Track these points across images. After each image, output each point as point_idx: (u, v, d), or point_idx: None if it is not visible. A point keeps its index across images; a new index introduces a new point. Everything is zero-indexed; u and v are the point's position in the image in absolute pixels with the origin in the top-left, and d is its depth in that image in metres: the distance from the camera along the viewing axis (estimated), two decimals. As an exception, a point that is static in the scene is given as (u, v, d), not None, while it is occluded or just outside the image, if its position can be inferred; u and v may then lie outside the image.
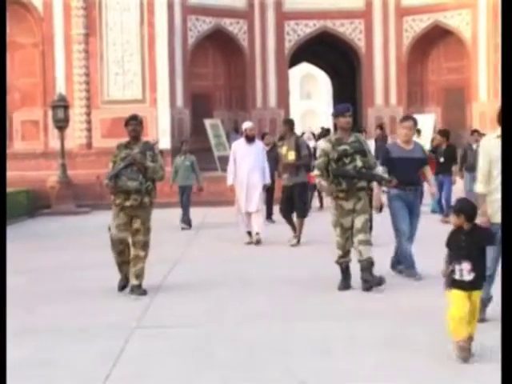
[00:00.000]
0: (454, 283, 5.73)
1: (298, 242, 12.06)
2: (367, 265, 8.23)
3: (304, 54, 33.13)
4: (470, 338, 5.56)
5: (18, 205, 18.26)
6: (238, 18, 28.68)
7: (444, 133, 15.37)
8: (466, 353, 5.49)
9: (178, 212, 15.35)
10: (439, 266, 8.88)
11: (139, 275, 8.47)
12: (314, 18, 29.44)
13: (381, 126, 24.36)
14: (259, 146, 12.61)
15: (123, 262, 8.53)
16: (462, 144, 16.97)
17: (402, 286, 8.50)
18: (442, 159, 14.94)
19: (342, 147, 8.31)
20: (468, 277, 5.66)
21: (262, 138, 15.77)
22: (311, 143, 22.22)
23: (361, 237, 8.28)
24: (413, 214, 9.06)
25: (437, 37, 29.30)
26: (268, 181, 12.66)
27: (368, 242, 8.33)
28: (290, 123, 12.59)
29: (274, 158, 13.54)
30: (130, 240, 8.53)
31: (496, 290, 6.27)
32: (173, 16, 25.54)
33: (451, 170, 14.99)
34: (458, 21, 28.36)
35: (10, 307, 7.60)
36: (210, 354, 5.97)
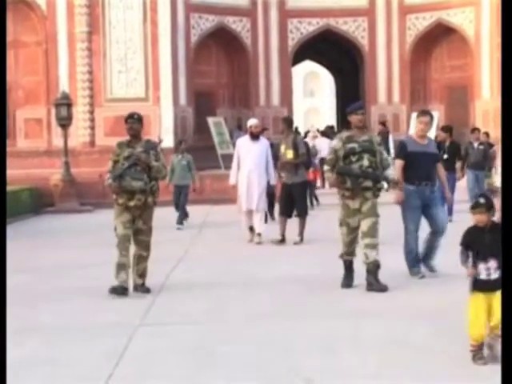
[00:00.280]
0: (476, 284, 5.65)
1: (302, 240, 12.05)
2: (373, 268, 8.19)
3: (307, 52, 33.12)
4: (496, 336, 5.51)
5: (21, 203, 18.28)
6: (241, 16, 28.66)
7: (447, 129, 15.25)
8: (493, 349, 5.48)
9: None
10: (443, 264, 8.93)
11: (143, 274, 8.45)
12: (317, 16, 29.41)
13: (383, 123, 24.42)
14: (264, 144, 12.47)
15: (123, 265, 8.23)
16: (464, 142, 16.95)
17: (406, 284, 8.50)
18: (445, 156, 14.78)
19: (351, 145, 8.25)
20: (495, 275, 5.58)
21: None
22: (317, 142, 22.25)
23: (367, 241, 8.22)
24: (433, 208, 8.89)
25: (440, 35, 29.26)
26: (273, 180, 12.58)
27: (375, 247, 8.24)
28: (288, 121, 12.55)
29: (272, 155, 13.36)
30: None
31: None
32: (176, 14, 25.53)
33: (455, 167, 14.92)
34: (462, 19, 28.32)
35: (13, 305, 7.61)
36: (214, 352, 5.98)
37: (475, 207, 5.68)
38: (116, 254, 8.32)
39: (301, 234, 12.11)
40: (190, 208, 15.47)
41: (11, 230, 14.31)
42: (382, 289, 8.09)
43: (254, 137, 12.36)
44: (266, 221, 14.11)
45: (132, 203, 8.30)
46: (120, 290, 8.13)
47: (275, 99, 29.72)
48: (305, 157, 12.44)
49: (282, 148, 12.18)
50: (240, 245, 12.12)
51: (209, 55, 28.61)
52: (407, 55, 29.50)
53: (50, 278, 9.78)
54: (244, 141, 12.55)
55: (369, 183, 8.26)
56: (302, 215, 12.20)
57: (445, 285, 8.38)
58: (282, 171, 12.20)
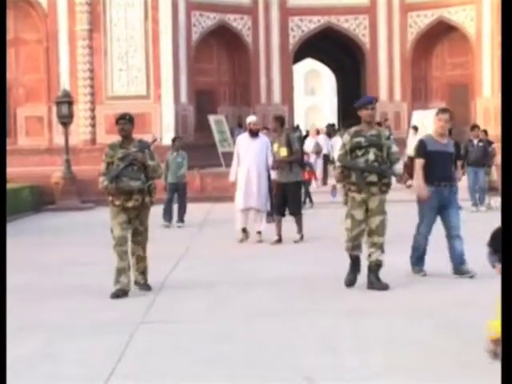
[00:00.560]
0: None
1: (302, 238, 12.02)
2: (375, 267, 8.15)
3: (308, 50, 33.14)
4: None
5: (22, 201, 18.28)
6: (242, 14, 28.68)
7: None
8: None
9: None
10: (444, 263, 8.93)
11: (143, 272, 8.43)
12: (318, 14, 29.44)
13: (379, 124, 24.46)
14: (263, 141, 12.39)
15: (123, 269, 8.17)
16: (465, 140, 16.94)
17: (407, 283, 8.49)
18: None
19: (357, 139, 8.17)
20: None
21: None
22: (319, 139, 22.23)
23: (374, 239, 8.15)
24: (449, 209, 8.78)
25: (441, 33, 29.28)
26: (273, 176, 12.38)
27: (381, 246, 8.17)
28: (280, 120, 12.43)
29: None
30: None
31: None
32: (177, 12, 25.55)
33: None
34: (463, 16, 28.33)
35: (15, 303, 7.63)
36: (216, 350, 5.98)
37: None
38: (115, 259, 8.23)
39: (300, 231, 12.04)
40: (190, 206, 15.44)
41: (12, 228, 14.32)
42: (383, 287, 8.08)
43: (253, 134, 12.28)
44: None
45: (130, 204, 8.19)
46: (122, 294, 8.09)
47: (276, 97, 29.75)
48: (299, 154, 12.39)
49: (275, 147, 12.02)
50: (240, 243, 12.11)
51: (210, 53, 28.63)
52: (408, 53, 29.52)
53: (51, 275, 9.78)
54: (243, 138, 12.49)
55: (374, 178, 8.14)
56: (296, 214, 12.10)
57: (446, 284, 8.38)
58: (277, 169, 12.04)
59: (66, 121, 20.43)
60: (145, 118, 23.75)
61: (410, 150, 18.82)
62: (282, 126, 12.27)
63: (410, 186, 8.94)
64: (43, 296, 8.42)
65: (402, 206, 13.13)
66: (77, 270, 10.13)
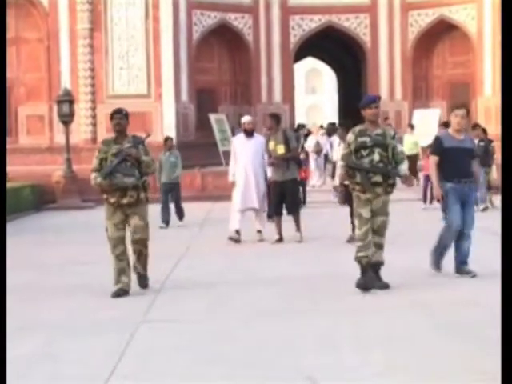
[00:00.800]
0: None
1: (301, 236, 11.92)
2: (375, 266, 8.11)
3: (309, 49, 33.13)
4: None
5: (23, 199, 18.30)
6: (243, 13, 28.66)
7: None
8: None
9: (183, 207, 15.23)
10: (445, 262, 8.92)
11: (144, 266, 8.30)
12: (319, 13, 29.42)
13: (385, 118, 24.55)
14: (259, 141, 12.27)
15: (123, 270, 8.15)
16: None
17: (408, 282, 8.48)
18: None
19: (362, 139, 8.05)
20: None
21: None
22: (320, 138, 22.23)
23: (376, 239, 8.07)
24: (466, 206, 8.64)
25: (442, 31, 29.26)
26: (269, 174, 12.28)
27: (381, 246, 8.12)
28: (276, 117, 12.35)
29: None
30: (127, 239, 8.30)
31: None
32: (178, 11, 25.55)
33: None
34: (464, 15, 28.31)
35: (15, 302, 7.63)
36: (216, 349, 5.98)
37: None
38: (112, 261, 8.19)
39: (298, 230, 11.95)
40: (191, 205, 15.46)
41: (13, 227, 14.33)
42: (384, 286, 8.08)
43: (248, 134, 12.20)
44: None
45: (125, 200, 8.09)
46: (123, 294, 8.06)
47: (277, 96, 29.73)
48: (297, 151, 12.35)
49: (271, 144, 11.90)
50: (242, 242, 12.09)
51: (211, 52, 28.61)
52: (409, 52, 29.50)
53: (52, 274, 9.78)
54: (239, 138, 12.40)
55: (378, 178, 8.04)
56: (294, 212, 12.03)
57: (446, 283, 8.38)
58: (274, 167, 11.92)
59: (66, 120, 20.46)
60: (145, 117, 23.76)
61: (406, 147, 18.83)
62: (278, 123, 12.18)
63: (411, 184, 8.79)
64: (43, 295, 8.42)
65: (400, 205, 13.16)
66: (77, 269, 10.14)
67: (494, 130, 21.11)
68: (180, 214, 14.86)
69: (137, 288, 8.37)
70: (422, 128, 24.47)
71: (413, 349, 5.83)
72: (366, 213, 8.05)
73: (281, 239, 11.94)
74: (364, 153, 8.04)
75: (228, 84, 29.38)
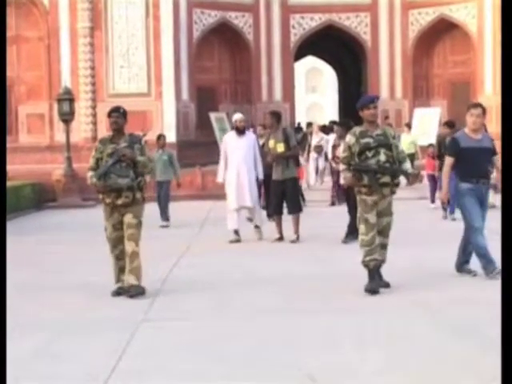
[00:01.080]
0: None
1: (298, 238, 11.84)
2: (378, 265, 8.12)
3: (309, 48, 33.12)
4: None
5: (23, 198, 18.31)
6: (244, 12, 28.66)
7: (451, 124, 14.92)
8: None
9: (182, 206, 15.24)
10: (446, 261, 8.93)
11: (137, 274, 8.03)
12: (319, 12, 29.42)
13: (385, 118, 24.55)
14: (251, 138, 12.24)
15: (122, 269, 8.11)
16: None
17: (408, 281, 8.49)
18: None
19: (365, 140, 7.88)
20: None
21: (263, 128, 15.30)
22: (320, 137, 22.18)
23: (380, 240, 7.98)
24: (483, 206, 8.50)
25: (442, 30, 29.25)
26: (261, 175, 12.26)
27: (385, 247, 8.06)
28: (277, 115, 12.27)
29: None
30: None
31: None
32: (178, 9, 25.55)
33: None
34: (464, 14, 28.30)
35: (16, 300, 7.64)
36: (217, 348, 5.98)
37: None
38: (112, 260, 8.20)
39: (296, 231, 11.87)
40: (191, 204, 15.45)
41: (13, 226, 14.34)
42: (384, 285, 8.07)
43: (240, 132, 12.13)
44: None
45: (120, 201, 8.00)
46: (123, 292, 8.02)
47: (277, 95, 29.73)
48: (297, 149, 12.33)
49: (271, 143, 11.83)
50: (242, 242, 12.09)
51: (211, 51, 28.61)
52: (410, 51, 29.49)
53: (52, 273, 9.78)
54: (230, 136, 12.30)
55: (387, 179, 7.90)
56: (294, 212, 11.96)
57: (447, 282, 8.38)
58: (274, 165, 11.85)
59: (67, 118, 20.46)
60: (146, 116, 23.77)
61: (403, 147, 18.75)
62: (278, 121, 12.12)
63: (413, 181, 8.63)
64: (44, 294, 8.42)
65: (401, 204, 13.13)
66: (77, 267, 10.14)
67: (495, 128, 21.11)
68: (165, 213, 14.54)
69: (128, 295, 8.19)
70: (423, 127, 24.47)
71: (413, 348, 5.83)
72: (372, 218, 7.91)
73: (281, 238, 11.92)
74: (369, 154, 7.87)
75: (228, 83, 29.38)
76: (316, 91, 78.47)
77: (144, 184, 8.18)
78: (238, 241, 12.02)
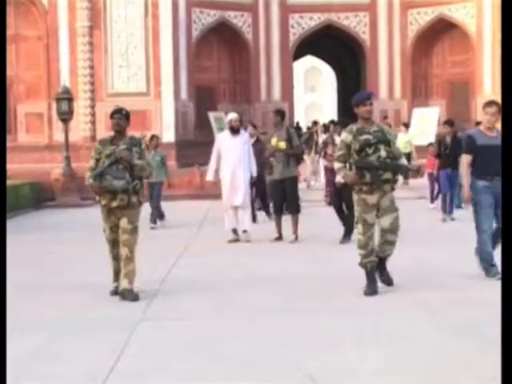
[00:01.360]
0: None
1: (296, 238, 11.82)
2: (385, 261, 8.05)
3: (308, 48, 33.12)
4: None
5: (22, 197, 18.30)
6: (243, 11, 28.67)
7: (450, 123, 14.89)
8: None
9: (182, 206, 15.22)
10: (446, 261, 8.92)
11: (131, 278, 7.94)
12: (318, 11, 29.43)
13: (384, 117, 24.60)
14: (245, 138, 12.23)
15: (119, 271, 8.06)
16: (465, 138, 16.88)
17: (409, 281, 8.48)
18: (447, 151, 14.49)
19: (364, 137, 7.76)
20: None
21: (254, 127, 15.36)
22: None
23: (388, 237, 7.85)
24: (497, 203, 8.33)
25: (441, 30, 29.27)
26: (254, 173, 12.23)
27: (393, 243, 7.92)
28: (281, 114, 12.23)
29: (258, 152, 12.80)
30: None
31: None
32: (177, 9, 25.54)
33: (458, 163, 14.72)
34: (463, 14, 28.32)
35: (16, 300, 7.63)
36: (215, 348, 5.97)
37: None
38: (110, 261, 8.21)
39: (295, 232, 11.84)
40: (190, 203, 15.43)
41: (12, 225, 14.32)
42: (388, 281, 8.04)
43: (235, 131, 12.09)
44: (254, 220, 13.94)
45: (115, 204, 7.92)
46: None
47: (276, 94, 29.75)
48: (300, 149, 12.32)
49: (274, 141, 11.81)
50: (240, 241, 12.07)
51: (210, 50, 28.62)
52: (409, 50, 29.51)
53: (51, 272, 9.78)
54: (224, 136, 12.26)
55: (389, 175, 7.79)
56: (294, 212, 11.93)
57: (447, 282, 8.38)
58: (274, 161, 11.80)
59: (65, 117, 20.46)
60: (145, 115, 23.76)
61: (400, 146, 18.76)
62: (282, 119, 12.14)
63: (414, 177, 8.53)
64: (43, 293, 8.41)
65: (400, 203, 13.11)
66: (77, 267, 10.14)
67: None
68: (154, 216, 14.47)
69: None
70: (422, 127, 24.48)
71: (413, 348, 5.83)
72: (371, 218, 7.83)
73: (280, 238, 11.91)
74: (369, 151, 7.75)
75: (227, 82, 29.39)
76: (315, 91, 78.47)
77: (140, 188, 8.08)
78: (236, 240, 12.01)
